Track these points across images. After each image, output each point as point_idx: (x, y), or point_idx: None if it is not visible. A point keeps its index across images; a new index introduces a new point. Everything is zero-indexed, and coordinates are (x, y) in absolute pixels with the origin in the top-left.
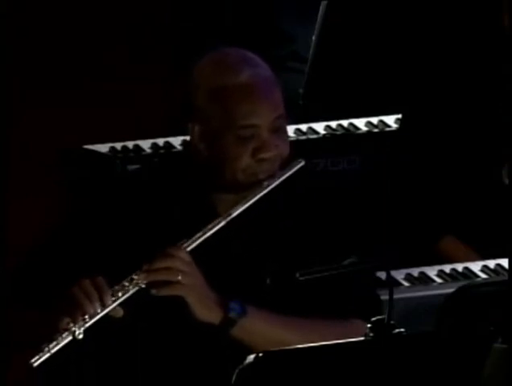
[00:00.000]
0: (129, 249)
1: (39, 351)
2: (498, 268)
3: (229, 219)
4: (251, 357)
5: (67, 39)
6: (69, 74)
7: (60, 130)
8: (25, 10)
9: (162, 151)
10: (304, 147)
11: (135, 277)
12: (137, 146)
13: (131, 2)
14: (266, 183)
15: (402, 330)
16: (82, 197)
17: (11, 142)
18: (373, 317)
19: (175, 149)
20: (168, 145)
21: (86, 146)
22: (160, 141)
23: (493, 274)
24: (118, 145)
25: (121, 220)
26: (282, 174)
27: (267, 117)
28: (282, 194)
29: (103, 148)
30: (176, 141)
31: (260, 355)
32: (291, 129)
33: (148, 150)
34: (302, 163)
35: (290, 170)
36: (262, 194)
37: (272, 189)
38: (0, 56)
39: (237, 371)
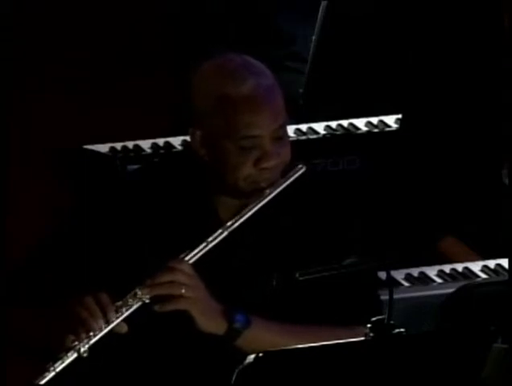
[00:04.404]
0: (129, 250)
1: (44, 370)
2: (498, 268)
3: (230, 229)
4: (251, 357)
5: (67, 39)
6: (69, 74)
7: (60, 130)
8: (25, 11)
9: (162, 151)
10: (304, 147)
11: (138, 291)
12: (137, 146)
13: (131, 3)
14: (267, 191)
15: (402, 330)
16: (82, 197)
17: (11, 142)
18: (374, 317)
19: (175, 149)
20: (168, 145)
21: (86, 146)
22: (160, 141)
23: (493, 274)
24: (118, 145)
25: (121, 221)
26: (284, 182)
27: (269, 127)
28: (284, 199)
29: (103, 148)
30: (176, 141)
31: (260, 355)
32: (291, 129)
33: (148, 150)
34: (303, 170)
35: (291, 177)
36: (263, 202)
37: (274, 196)
38: (0, 56)
39: (237, 371)
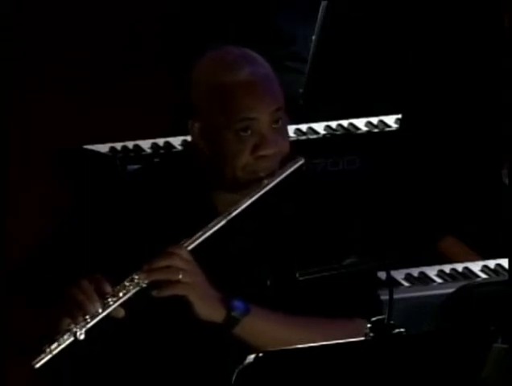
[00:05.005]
0: (129, 249)
1: (40, 352)
2: (498, 268)
3: (229, 217)
4: (251, 357)
5: (67, 39)
6: (69, 74)
7: (60, 130)
8: (25, 11)
9: (162, 151)
10: (304, 147)
11: (136, 276)
12: (137, 146)
13: (131, 3)
14: (265, 182)
15: (402, 330)
16: (82, 197)
17: (11, 142)
18: (374, 317)
19: (175, 149)
20: (168, 145)
21: (86, 146)
22: (160, 141)
23: (493, 274)
24: (118, 145)
25: (121, 220)
26: (282, 173)
27: (266, 110)
28: (282, 192)
29: (103, 148)
30: (176, 141)
31: (260, 355)
32: (291, 129)
33: (148, 150)
34: (301, 161)
35: (289, 168)
36: (261, 192)
37: (272, 187)
38: (0, 56)
39: (237, 371)
